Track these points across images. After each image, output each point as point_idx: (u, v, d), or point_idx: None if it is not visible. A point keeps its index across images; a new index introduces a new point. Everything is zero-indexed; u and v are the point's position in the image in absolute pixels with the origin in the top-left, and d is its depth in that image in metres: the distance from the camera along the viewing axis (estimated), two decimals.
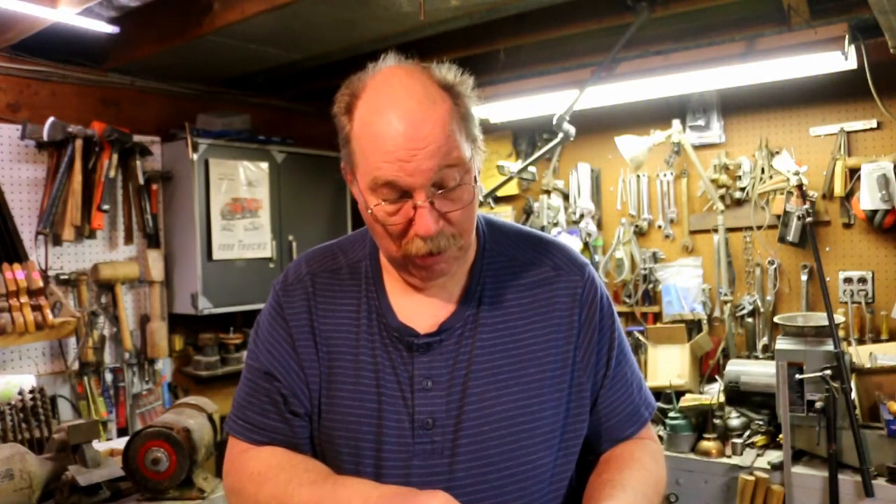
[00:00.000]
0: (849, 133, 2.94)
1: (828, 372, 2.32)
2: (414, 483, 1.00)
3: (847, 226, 2.96)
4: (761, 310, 3.12)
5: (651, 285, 3.39)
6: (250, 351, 1.15)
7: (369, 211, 0.98)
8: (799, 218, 2.92)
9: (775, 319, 2.78)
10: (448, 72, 1.00)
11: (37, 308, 2.69)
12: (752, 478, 2.44)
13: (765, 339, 3.10)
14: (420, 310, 1.06)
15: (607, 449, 1.14)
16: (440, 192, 0.95)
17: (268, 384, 1.09)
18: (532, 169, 3.23)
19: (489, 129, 3.67)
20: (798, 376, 2.38)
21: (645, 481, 1.05)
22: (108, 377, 3.15)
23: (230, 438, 1.14)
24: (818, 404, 2.33)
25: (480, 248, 1.12)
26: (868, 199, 2.77)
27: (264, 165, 3.49)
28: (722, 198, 3.17)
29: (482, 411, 1.02)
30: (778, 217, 3.03)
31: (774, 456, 2.48)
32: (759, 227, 3.09)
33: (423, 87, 0.96)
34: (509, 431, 1.02)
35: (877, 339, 2.81)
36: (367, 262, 1.11)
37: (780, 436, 2.46)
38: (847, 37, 2.57)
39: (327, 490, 0.97)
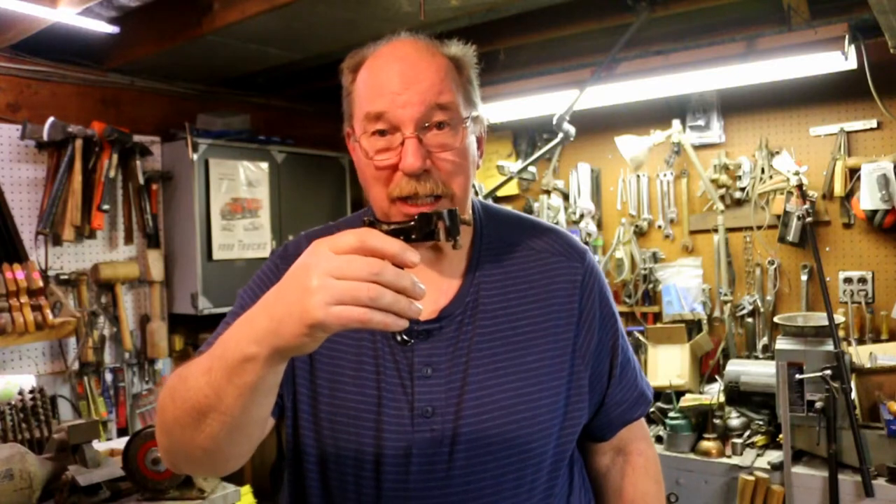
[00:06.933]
0: (849, 133, 2.94)
1: (828, 372, 2.32)
2: (414, 472, 0.99)
3: (847, 226, 2.96)
4: (761, 310, 3.12)
5: (651, 285, 3.39)
6: (235, 306, 1.09)
7: (363, 152, 0.98)
8: (799, 218, 2.91)
9: (775, 319, 2.78)
10: (454, 45, 1.04)
11: (37, 308, 2.70)
12: (752, 478, 2.44)
13: (765, 339, 3.09)
14: None
15: (615, 434, 1.17)
16: (428, 128, 0.97)
17: None
18: (532, 169, 3.23)
19: (489, 129, 3.66)
20: (798, 376, 2.38)
21: None
22: (108, 377, 3.15)
23: None
24: (818, 404, 2.33)
25: (478, 232, 1.11)
26: (868, 199, 2.77)
27: (264, 165, 3.49)
28: (722, 198, 3.17)
29: (481, 399, 1.01)
30: (778, 217, 3.03)
31: (774, 456, 2.48)
32: (759, 227, 3.09)
33: (427, 44, 1.02)
34: (509, 420, 1.01)
35: (877, 339, 2.81)
36: None
37: (780, 436, 2.46)
38: (847, 37, 2.57)
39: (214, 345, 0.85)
